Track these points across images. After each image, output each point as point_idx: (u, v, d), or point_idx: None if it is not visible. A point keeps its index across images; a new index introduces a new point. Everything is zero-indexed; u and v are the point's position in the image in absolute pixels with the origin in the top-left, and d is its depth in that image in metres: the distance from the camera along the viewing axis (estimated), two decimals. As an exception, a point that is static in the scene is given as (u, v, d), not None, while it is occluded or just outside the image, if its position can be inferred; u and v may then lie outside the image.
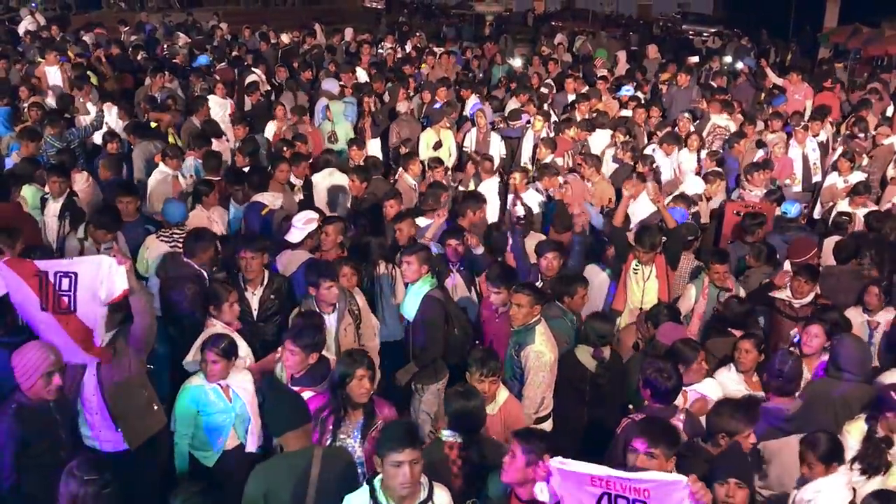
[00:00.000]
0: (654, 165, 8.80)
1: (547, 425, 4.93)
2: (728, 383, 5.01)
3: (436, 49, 15.72)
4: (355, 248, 6.26)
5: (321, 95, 11.16)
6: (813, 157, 9.88)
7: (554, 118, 10.89)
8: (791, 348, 5.30)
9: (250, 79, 12.03)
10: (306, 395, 4.16)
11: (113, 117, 9.91)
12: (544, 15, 31.94)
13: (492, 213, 8.07)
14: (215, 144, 8.67)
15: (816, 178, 9.84)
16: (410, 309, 5.34)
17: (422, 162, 8.58)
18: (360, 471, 3.89)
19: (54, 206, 6.79)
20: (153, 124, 9.48)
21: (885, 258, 6.90)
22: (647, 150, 9.61)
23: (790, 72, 13.57)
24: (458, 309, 5.69)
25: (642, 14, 34.63)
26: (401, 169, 8.45)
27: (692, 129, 10.21)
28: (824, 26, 21.33)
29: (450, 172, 8.90)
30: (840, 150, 9.84)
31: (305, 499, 3.47)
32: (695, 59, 16.20)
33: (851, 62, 17.92)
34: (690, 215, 7.55)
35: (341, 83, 11.60)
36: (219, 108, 10.40)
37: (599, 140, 10.04)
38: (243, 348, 4.89)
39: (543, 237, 6.92)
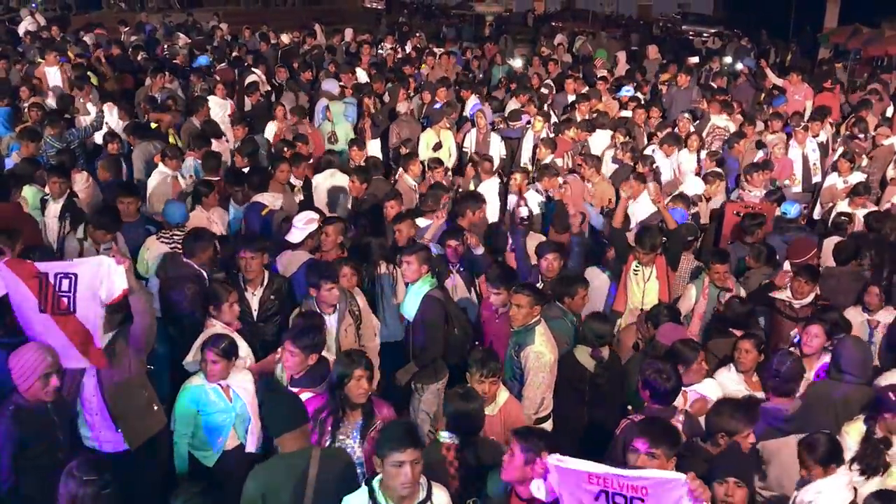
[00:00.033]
0: (654, 166, 8.81)
1: (547, 426, 4.93)
2: (728, 383, 5.01)
3: (436, 49, 15.72)
4: (356, 249, 6.26)
5: (321, 96, 11.16)
6: (813, 158, 9.88)
7: (554, 119, 10.89)
8: (791, 348, 5.30)
9: (250, 79, 12.03)
10: (305, 395, 4.16)
11: (114, 118, 9.91)
12: (544, 15, 31.94)
13: (492, 214, 8.08)
14: (215, 145, 8.67)
15: (816, 179, 9.84)
16: (410, 309, 5.34)
17: (422, 162, 8.58)
18: (359, 471, 3.89)
19: (55, 207, 6.79)
20: (153, 125, 9.48)
21: (885, 258, 6.91)
22: (647, 151, 9.61)
23: (790, 72, 13.57)
24: (458, 309, 5.70)
25: (642, 14, 34.65)
26: (401, 169, 8.45)
27: (692, 129, 10.21)
28: (824, 27, 21.33)
29: (449, 173, 8.90)
30: (840, 150, 9.85)
31: (304, 499, 3.47)
32: (695, 59, 16.22)
33: (851, 63, 17.93)
34: (690, 216, 7.55)
35: (341, 84, 11.60)
36: (219, 108, 10.40)
37: (599, 141, 10.04)
38: (243, 348, 4.89)
39: (543, 238, 6.93)
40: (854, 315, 6.03)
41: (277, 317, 5.58)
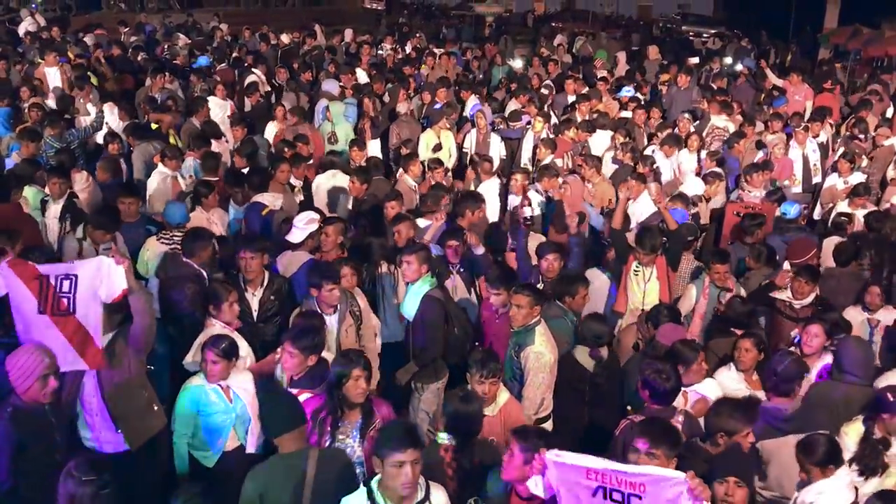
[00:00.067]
0: (655, 166, 8.81)
1: (547, 426, 4.93)
2: (728, 382, 5.02)
3: (436, 50, 15.73)
4: (357, 249, 6.26)
5: (321, 96, 11.17)
6: (813, 159, 9.88)
7: (554, 119, 10.89)
8: (791, 348, 5.30)
9: (250, 79, 12.04)
10: (303, 396, 4.15)
11: (114, 118, 9.90)
12: (544, 16, 31.96)
13: (492, 214, 8.08)
14: (215, 145, 8.66)
15: (816, 180, 9.84)
16: (410, 309, 5.34)
17: (422, 163, 8.58)
18: (359, 470, 3.89)
19: (55, 208, 6.79)
20: (154, 126, 9.48)
21: (884, 258, 6.91)
22: (647, 151, 9.62)
23: (790, 73, 13.57)
24: (458, 308, 5.70)
25: (642, 15, 34.68)
26: (401, 170, 8.45)
27: (692, 129, 10.21)
28: (824, 27, 21.32)
29: (449, 174, 8.90)
30: (840, 151, 9.85)
31: (302, 500, 3.47)
32: (695, 59, 16.23)
33: (851, 63, 17.93)
34: (690, 216, 7.55)
35: (341, 84, 11.61)
36: (219, 109, 10.40)
37: (600, 141, 10.04)
38: (244, 347, 4.88)
39: (543, 238, 6.93)
40: (854, 315, 6.04)
41: (277, 317, 5.57)
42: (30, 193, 6.97)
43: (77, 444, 4.43)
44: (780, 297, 6.08)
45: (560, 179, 7.99)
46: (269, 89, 12.43)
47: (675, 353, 4.73)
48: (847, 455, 4.08)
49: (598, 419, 4.95)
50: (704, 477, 3.13)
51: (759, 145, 10.11)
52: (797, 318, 5.89)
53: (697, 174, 9.09)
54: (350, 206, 7.66)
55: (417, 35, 19.49)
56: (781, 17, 24.25)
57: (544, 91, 12.65)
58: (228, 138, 9.55)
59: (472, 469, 3.79)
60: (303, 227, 6.06)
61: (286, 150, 8.42)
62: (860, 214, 7.91)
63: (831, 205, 8.75)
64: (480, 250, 6.13)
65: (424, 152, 9.49)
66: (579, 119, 10.63)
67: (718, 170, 8.88)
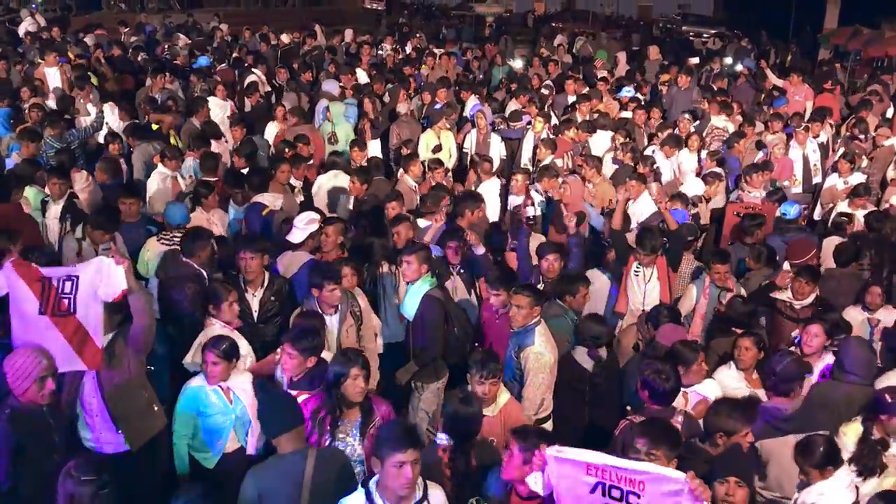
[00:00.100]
0: (655, 167, 8.80)
1: (547, 426, 4.93)
2: (728, 381, 5.03)
3: (436, 50, 15.73)
4: (358, 249, 6.26)
5: (321, 97, 11.16)
6: (813, 159, 9.88)
7: (554, 120, 10.89)
8: (791, 348, 5.30)
9: (250, 79, 12.04)
10: (302, 396, 4.15)
11: (114, 118, 9.90)
12: (544, 16, 31.96)
13: (492, 214, 8.08)
14: (214, 146, 8.66)
15: (817, 180, 9.84)
16: (410, 308, 5.34)
17: (422, 163, 8.58)
18: (359, 469, 3.89)
19: (55, 209, 6.79)
20: (155, 126, 9.48)
21: (884, 258, 6.91)
22: (647, 152, 9.61)
23: (790, 73, 13.58)
24: (458, 308, 5.70)
25: (643, 15, 34.69)
26: (401, 170, 8.45)
27: (692, 129, 10.21)
28: (824, 27, 21.32)
29: (450, 174, 8.90)
30: (840, 151, 9.85)
31: (300, 500, 3.47)
32: (695, 60, 16.22)
33: (852, 64, 17.93)
34: (690, 216, 7.55)
35: (341, 85, 11.61)
36: (219, 109, 10.39)
37: (600, 142, 10.04)
38: (244, 346, 4.88)
39: (543, 238, 6.93)
40: (854, 315, 6.04)
41: (278, 318, 5.57)
42: (30, 194, 6.97)
43: (77, 445, 4.43)
44: (781, 297, 6.08)
45: (560, 179, 7.99)
46: (270, 90, 12.43)
47: (675, 354, 4.72)
48: (845, 455, 4.07)
49: (597, 419, 4.95)
50: (704, 477, 3.13)
51: (759, 145, 10.11)
52: (797, 319, 5.89)
53: (698, 174, 9.09)
54: (351, 207, 7.66)
55: (417, 35, 19.49)
56: (781, 17, 24.25)
57: (544, 91, 12.66)
58: (228, 139, 9.56)
59: (471, 469, 3.79)
60: (303, 227, 6.06)
61: (286, 150, 8.42)
62: (860, 215, 7.91)
63: (831, 205, 8.75)
64: (481, 250, 6.13)
65: (424, 153, 9.49)
66: (579, 119, 10.62)
67: (718, 170, 8.88)
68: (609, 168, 9.22)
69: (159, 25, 18.68)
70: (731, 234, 7.74)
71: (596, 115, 10.76)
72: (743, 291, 6.29)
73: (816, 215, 9.39)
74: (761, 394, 4.97)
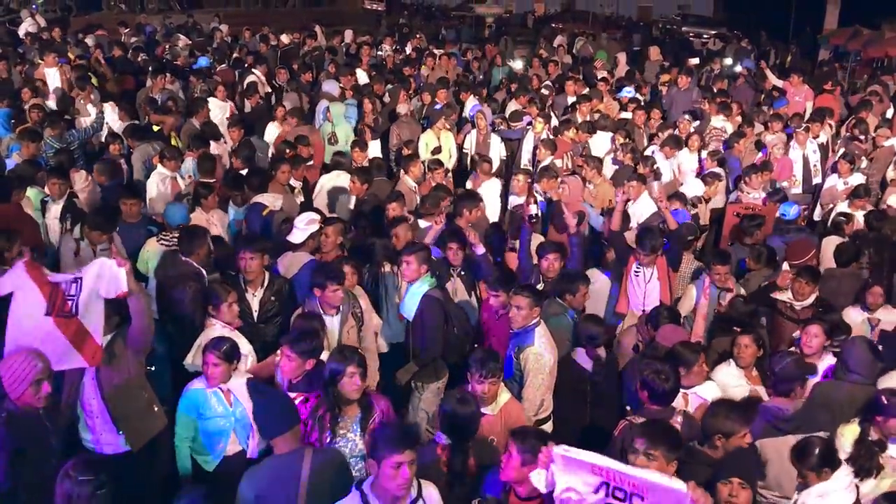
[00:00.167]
0: (655, 167, 8.80)
1: (547, 427, 4.93)
2: (728, 378, 5.04)
3: (435, 51, 15.73)
4: (359, 250, 6.26)
5: (322, 97, 11.16)
6: (813, 159, 9.88)
7: (554, 121, 10.89)
8: (791, 348, 5.30)
9: (249, 79, 12.03)
10: (301, 398, 4.15)
11: (115, 119, 9.90)
12: (544, 17, 31.99)
13: (492, 214, 8.07)
14: (214, 147, 8.66)
15: (816, 180, 9.84)
16: (410, 308, 5.34)
17: (422, 163, 8.58)
18: (362, 465, 3.88)
19: (55, 209, 6.80)
20: (156, 127, 9.47)
21: (884, 257, 6.91)
22: (647, 152, 9.61)
23: (790, 74, 13.58)
24: (458, 308, 5.69)
25: (642, 16, 34.73)
26: (402, 171, 8.45)
27: (692, 130, 10.21)
28: (824, 28, 21.35)
29: (450, 174, 8.89)
30: (840, 152, 9.85)
31: (297, 500, 3.46)
32: (695, 60, 16.23)
33: (851, 64, 17.94)
34: (690, 216, 7.54)
35: (341, 86, 11.61)
36: (219, 110, 10.39)
37: (600, 142, 10.04)
38: (245, 346, 4.87)
39: (542, 238, 6.92)
40: (854, 315, 6.03)
41: (278, 318, 5.57)
42: (31, 194, 6.98)
43: (77, 446, 4.42)
44: (781, 297, 6.07)
45: (559, 180, 7.99)
46: (269, 90, 12.43)
47: (675, 355, 4.72)
48: (843, 456, 4.07)
49: (597, 420, 4.95)
50: (707, 482, 3.13)
51: (759, 145, 10.11)
52: (798, 319, 5.89)
53: (698, 175, 9.09)
54: (352, 207, 7.66)
55: (417, 36, 19.49)
56: (781, 17, 24.27)
57: (544, 91, 12.66)
58: (227, 140, 9.55)
59: (469, 469, 3.78)
60: (303, 227, 6.05)
61: (287, 151, 8.41)
62: (860, 216, 7.91)
63: (831, 206, 8.75)
64: (481, 250, 6.13)
65: (424, 153, 9.49)
66: (580, 120, 10.63)
67: (717, 170, 8.88)
68: (609, 169, 9.22)
69: (159, 26, 18.69)
70: (730, 235, 7.73)
71: (596, 116, 10.76)
72: (743, 292, 6.29)
73: (816, 216, 9.39)
74: (762, 391, 4.98)
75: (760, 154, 9.81)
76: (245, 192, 7.16)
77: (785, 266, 6.55)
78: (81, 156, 8.88)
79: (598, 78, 13.73)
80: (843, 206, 8.31)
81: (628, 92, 12.47)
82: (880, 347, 5.72)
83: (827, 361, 5.22)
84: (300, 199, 7.76)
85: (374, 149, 9.94)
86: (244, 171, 7.75)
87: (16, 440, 3.87)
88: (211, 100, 10.38)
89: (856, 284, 6.43)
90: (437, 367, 5.42)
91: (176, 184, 7.69)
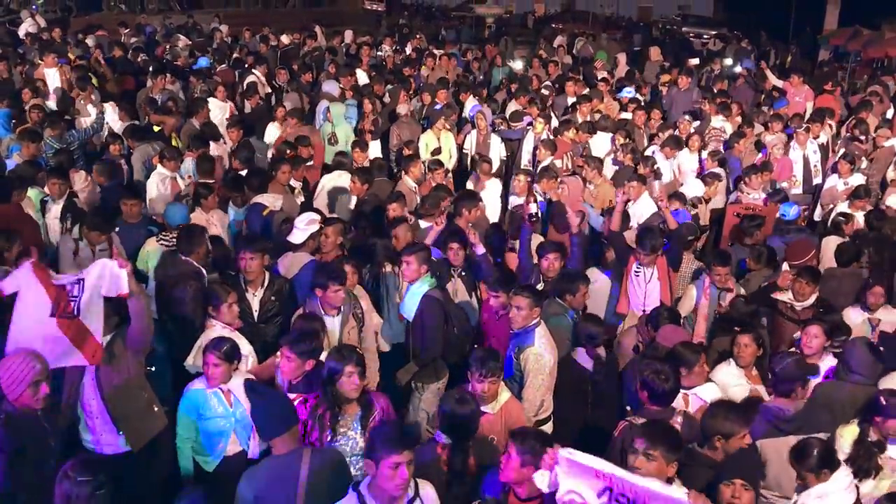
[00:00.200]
0: (656, 167, 8.80)
1: (547, 428, 4.93)
2: (728, 378, 5.04)
3: (435, 51, 15.73)
4: (359, 250, 6.26)
5: (322, 97, 11.16)
6: (814, 160, 9.88)
7: (554, 121, 10.89)
8: (792, 349, 5.30)
9: (249, 80, 12.03)
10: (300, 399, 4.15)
11: (115, 119, 9.90)
12: (544, 17, 31.99)
13: (492, 214, 8.06)
14: (214, 147, 8.65)
15: (817, 181, 9.84)
16: (410, 308, 5.34)
17: (422, 164, 8.58)
18: (362, 463, 3.88)
19: (55, 209, 6.80)
20: (156, 128, 9.47)
21: (884, 257, 6.91)
22: (648, 153, 9.61)
23: (790, 74, 13.58)
24: (458, 308, 5.69)
25: (643, 16, 34.74)
26: (402, 171, 8.45)
27: (692, 130, 10.21)
28: (824, 28, 21.35)
29: (450, 175, 8.89)
30: (840, 152, 9.85)
31: (295, 501, 3.46)
32: (695, 61, 16.24)
33: (852, 65, 17.94)
34: (691, 217, 7.54)
35: (341, 86, 11.61)
36: (219, 110, 10.40)
37: (600, 143, 10.04)
38: (245, 346, 4.87)
39: (542, 238, 6.92)
40: (854, 315, 6.03)
41: (278, 318, 5.57)
42: (32, 194, 6.98)
43: (78, 447, 4.42)
44: (782, 298, 6.07)
45: (558, 180, 7.99)
46: (269, 91, 12.43)
47: (676, 356, 4.71)
48: (842, 457, 4.07)
49: (597, 420, 4.94)
50: (709, 484, 3.12)
51: (759, 146, 10.11)
52: (798, 320, 5.89)
53: (698, 175, 9.09)
54: (352, 207, 7.66)
55: (417, 36, 19.49)
56: (781, 18, 24.28)
57: (544, 92, 12.66)
58: (227, 140, 9.55)
59: (469, 468, 3.78)
60: (304, 227, 6.05)
61: (287, 151, 8.41)
62: (860, 216, 7.91)
63: (831, 206, 8.75)
64: (481, 250, 6.13)
65: (424, 154, 9.49)
66: (580, 120, 10.63)
67: (717, 170, 8.88)
68: (609, 169, 9.22)
69: (159, 26, 18.69)
70: (730, 235, 7.73)
71: (596, 117, 10.76)
72: (743, 292, 6.29)
73: (816, 216, 9.39)
74: (762, 390, 4.98)
75: (760, 154, 9.81)
76: (245, 192, 7.16)
77: (785, 266, 6.55)
78: (81, 156, 8.88)
79: (599, 78, 13.74)
80: (843, 207, 8.30)
81: (628, 92, 12.47)
82: (881, 348, 5.75)
83: (828, 362, 5.22)
84: (300, 199, 7.76)
85: (375, 149, 9.95)
86: (243, 172, 7.75)
87: (15, 441, 3.86)
88: (211, 100, 10.38)
89: (856, 284, 6.42)
90: (437, 367, 5.41)
91: (176, 184, 7.69)
